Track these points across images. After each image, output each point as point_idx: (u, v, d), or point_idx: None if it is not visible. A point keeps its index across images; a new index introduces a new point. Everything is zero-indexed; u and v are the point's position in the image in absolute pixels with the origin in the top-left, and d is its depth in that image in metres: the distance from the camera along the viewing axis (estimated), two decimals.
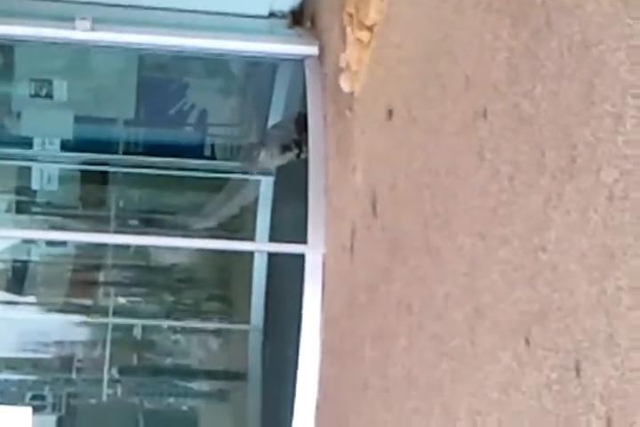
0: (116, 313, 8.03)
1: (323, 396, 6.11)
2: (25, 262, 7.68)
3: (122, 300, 8.06)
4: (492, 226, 3.69)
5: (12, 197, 7.84)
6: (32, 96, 7.64)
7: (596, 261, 2.94)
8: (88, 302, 8.14)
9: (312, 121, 6.49)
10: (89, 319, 8.21)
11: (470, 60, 4.07)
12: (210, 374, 8.62)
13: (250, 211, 7.65)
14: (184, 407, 8.30)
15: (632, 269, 2.68)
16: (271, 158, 6.99)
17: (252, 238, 7.54)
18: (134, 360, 8.25)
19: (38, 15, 6.78)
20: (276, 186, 7.36)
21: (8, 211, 7.95)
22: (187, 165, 7.83)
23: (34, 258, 7.86)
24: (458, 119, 4.09)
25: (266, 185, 7.80)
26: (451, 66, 4.31)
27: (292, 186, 6.59)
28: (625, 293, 2.72)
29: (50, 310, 8.21)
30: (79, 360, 8.08)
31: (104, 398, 7.62)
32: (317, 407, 6.19)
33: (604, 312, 2.82)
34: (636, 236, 2.60)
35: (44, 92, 7.55)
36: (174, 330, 8.48)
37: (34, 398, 7.56)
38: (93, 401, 7.72)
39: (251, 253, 7.48)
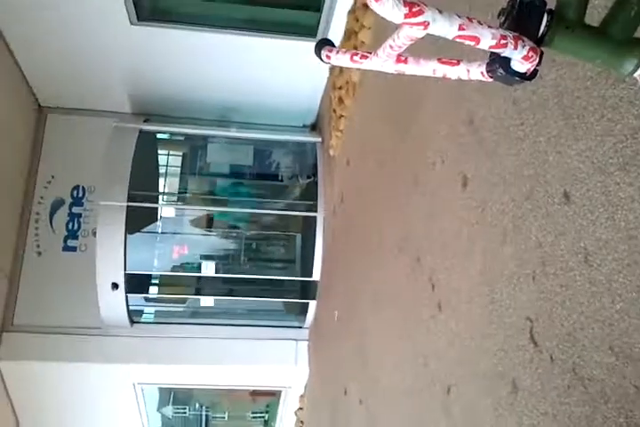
0: (247, 238, 7.81)
1: (324, 270, 6.10)
2: (210, 219, 7.53)
3: (252, 232, 7.84)
4: (387, 209, 3.69)
5: (207, 195, 7.74)
6: (212, 157, 7.56)
7: (424, 215, 2.88)
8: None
9: (319, 166, 6.47)
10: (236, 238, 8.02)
11: (376, 145, 4.06)
12: (284, 255, 8.46)
13: (295, 200, 7.61)
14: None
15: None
16: (303, 180, 6.95)
17: (297, 210, 7.42)
18: (254, 253, 8.05)
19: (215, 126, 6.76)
20: (305, 192, 7.30)
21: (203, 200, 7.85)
22: (270, 183, 7.79)
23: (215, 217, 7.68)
24: (372, 167, 4.08)
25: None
26: (370, 145, 4.31)
27: (311, 192, 6.52)
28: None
29: (220, 237, 8.03)
30: (232, 249, 7.97)
31: (242, 265, 7.45)
32: (321, 275, 6.18)
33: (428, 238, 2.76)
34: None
35: (217, 155, 7.47)
36: (269, 244, 8.29)
37: (217, 258, 7.24)
38: (237, 268, 7.49)
39: (296, 216, 7.36)
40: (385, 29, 3.43)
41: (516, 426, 1.89)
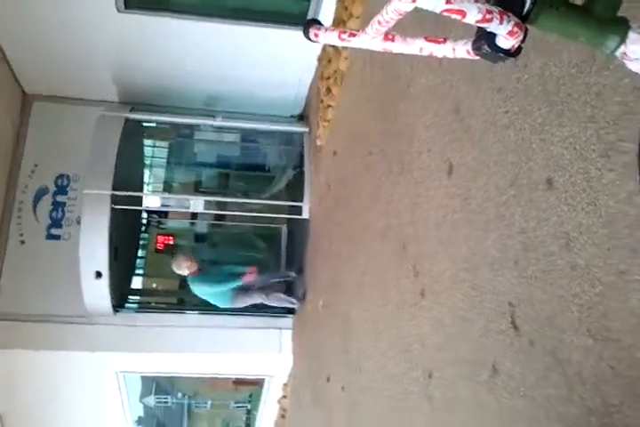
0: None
1: (309, 258, 6.04)
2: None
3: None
4: (373, 197, 3.63)
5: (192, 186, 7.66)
6: (198, 147, 7.60)
7: (410, 203, 2.83)
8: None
9: (305, 156, 6.44)
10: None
11: (363, 134, 4.02)
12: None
13: (282, 190, 7.53)
14: None
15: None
16: (290, 171, 6.91)
17: (283, 200, 7.36)
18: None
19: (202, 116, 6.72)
20: (292, 181, 7.25)
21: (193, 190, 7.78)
22: (257, 173, 7.71)
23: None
24: (359, 156, 4.07)
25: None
26: (357, 135, 4.27)
27: (298, 182, 6.47)
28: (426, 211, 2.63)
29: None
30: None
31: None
32: (306, 262, 6.14)
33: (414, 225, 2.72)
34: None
35: (203, 144, 7.41)
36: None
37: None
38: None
39: (283, 206, 7.27)
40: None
41: (495, 409, 1.92)
